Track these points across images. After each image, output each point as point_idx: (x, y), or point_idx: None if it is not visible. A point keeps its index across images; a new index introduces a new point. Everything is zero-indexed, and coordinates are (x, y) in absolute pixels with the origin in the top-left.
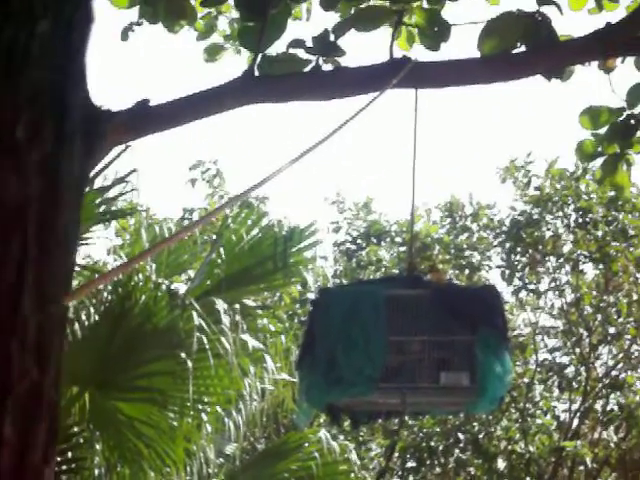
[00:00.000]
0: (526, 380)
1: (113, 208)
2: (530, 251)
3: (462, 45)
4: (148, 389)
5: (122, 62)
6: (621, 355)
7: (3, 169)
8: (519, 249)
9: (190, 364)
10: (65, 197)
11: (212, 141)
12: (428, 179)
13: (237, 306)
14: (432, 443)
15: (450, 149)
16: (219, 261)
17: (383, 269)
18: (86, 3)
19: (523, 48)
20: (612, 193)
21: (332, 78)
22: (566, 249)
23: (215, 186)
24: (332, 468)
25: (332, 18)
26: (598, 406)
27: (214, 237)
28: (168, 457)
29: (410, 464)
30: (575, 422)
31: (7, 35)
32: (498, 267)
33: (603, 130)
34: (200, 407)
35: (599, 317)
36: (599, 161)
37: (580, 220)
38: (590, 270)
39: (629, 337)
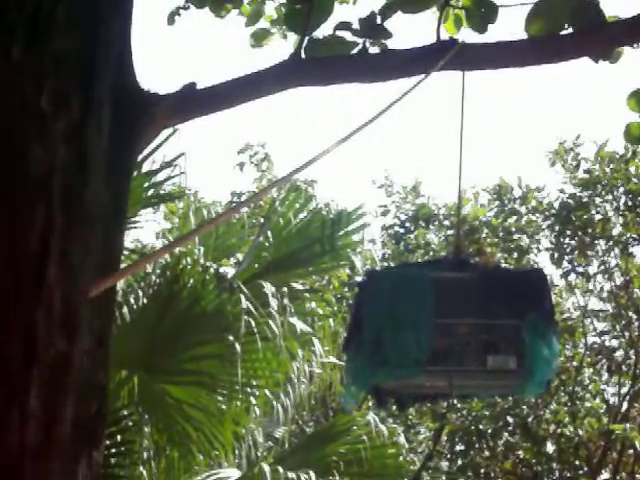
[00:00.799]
0: (575, 364)
1: (161, 192)
2: (579, 234)
3: (509, 27)
4: (196, 372)
5: (170, 46)
6: None
7: (28, 138)
8: (568, 232)
9: (238, 347)
10: (93, 167)
11: (260, 124)
12: (477, 162)
13: (285, 289)
14: (481, 426)
15: (499, 132)
16: (267, 244)
17: (431, 252)
18: None
19: (570, 30)
20: None
21: (379, 60)
22: (615, 232)
23: (263, 170)
24: (380, 451)
25: (379, 0)
26: None
27: (262, 220)
28: (217, 440)
29: (459, 447)
30: (624, 405)
31: (30, 2)
32: (547, 250)
33: None
34: (248, 390)
35: None
36: None
37: (630, 203)
38: None
39: None
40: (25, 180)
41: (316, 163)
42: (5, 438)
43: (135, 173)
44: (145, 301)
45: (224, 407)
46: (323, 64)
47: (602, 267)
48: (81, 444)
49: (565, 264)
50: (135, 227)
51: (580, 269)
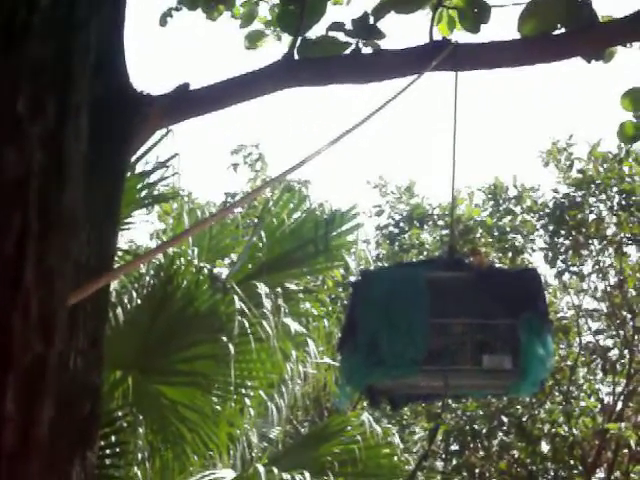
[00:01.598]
0: (570, 363)
1: (155, 193)
2: (573, 233)
3: (501, 27)
4: (191, 373)
5: (163, 48)
6: None
7: (4, 143)
8: (562, 232)
9: (232, 348)
10: (70, 172)
11: (254, 125)
12: (471, 162)
13: (279, 290)
14: (475, 426)
15: (493, 131)
16: (260, 245)
17: (425, 252)
18: None
19: (563, 30)
20: None
21: (372, 61)
22: (609, 231)
23: (257, 170)
24: (375, 451)
25: (372, 1)
26: None
27: (256, 221)
28: (211, 441)
29: (453, 447)
30: (619, 405)
31: (7, 7)
32: (541, 250)
33: None
34: (243, 391)
35: None
36: None
37: (623, 202)
38: (634, 252)
39: None
40: (0, 184)
41: (310, 163)
42: None
43: (129, 174)
44: (139, 302)
45: (218, 408)
46: (316, 65)
47: (596, 267)
48: (74, 445)
49: (559, 264)
50: (129, 228)
51: (574, 269)
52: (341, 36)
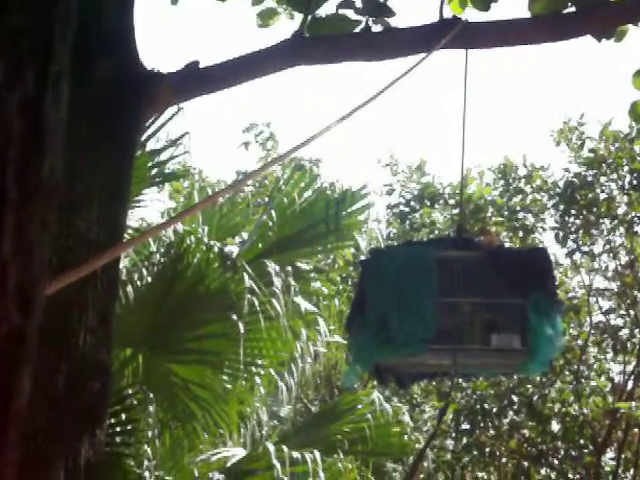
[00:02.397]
0: (580, 342)
1: (166, 171)
2: (584, 213)
3: (512, 6)
4: (201, 351)
5: (173, 26)
6: None
7: None
8: (573, 211)
9: (241, 326)
10: (50, 141)
11: (266, 103)
12: (481, 141)
13: (289, 269)
14: (486, 405)
15: (504, 111)
16: (271, 224)
17: (436, 231)
18: None
19: (574, 8)
20: None
21: (382, 39)
22: (620, 211)
23: (268, 149)
24: (385, 430)
25: None
26: None
27: (266, 200)
28: (221, 419)
29: (464, 426)
30: (630, 384)
31: None
32: (552, 229)
33: None
34: (253, 369)
35: None
36: None
37: (635, 182)
38: None
39: None
40: None
41: (320, 142)
42: None
43: (139, 152)
44: (149, 280)
45: (229, 386)
46: (326, 42)
47: (607, 246)
48: (84, 422)
49: (570, 243)
50: (139, 206)
51: (585, 248)
52: (351, 14)
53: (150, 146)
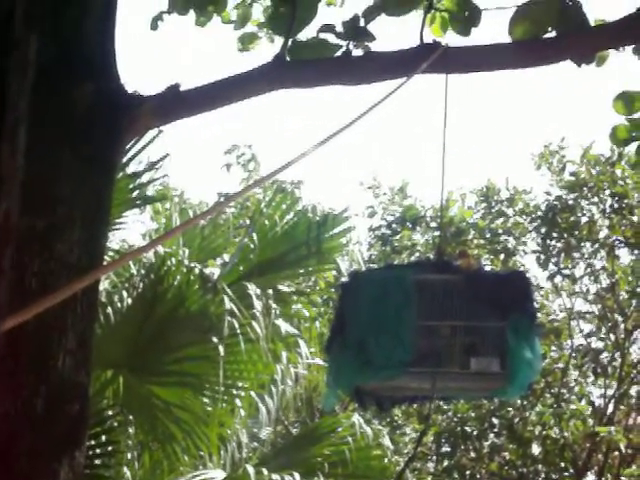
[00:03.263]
0: (561, 365)
1: (147, 193)
2: (565, 236)
3: (492, 30)
4: (181, 373)
5: (154, 50)
6: None
7: None
8: (554, 234)
9: (221, 349)
10: (6, 188)
11: (247, 125)
12: (463, 164)
13: (270, 291)
14: (467, 428)
15: (486, 134)
16: (252, 246)
17: (418, 254)
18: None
19: (554, 33)
20: None
21: (362, 63)
22: (602, 234)
23: (250, 170)
24: (365, 453)
25: (365, 2)
26: (633, 391)
27: (248, 222)
28: (201, 441)
29: (445, 449)
30: (610, 408)
31: None
32: (533, 252)
33: (638, 115)
34: (234, 391)
35: (634, 303)
36: (634, 146)
37: (616, 205)
38: (625, 255)
39: None
40: None
41: (302, 164)
42: None
43: (120, 175)
44: (130, 302)
45: (209, 408)
46: (307, 66)
47: (588, 269)
48: (63, 444)
49: (551, 266)
50: (120, 229)
51: (566, 271)
52: (332, 38)
53: (131, 168)
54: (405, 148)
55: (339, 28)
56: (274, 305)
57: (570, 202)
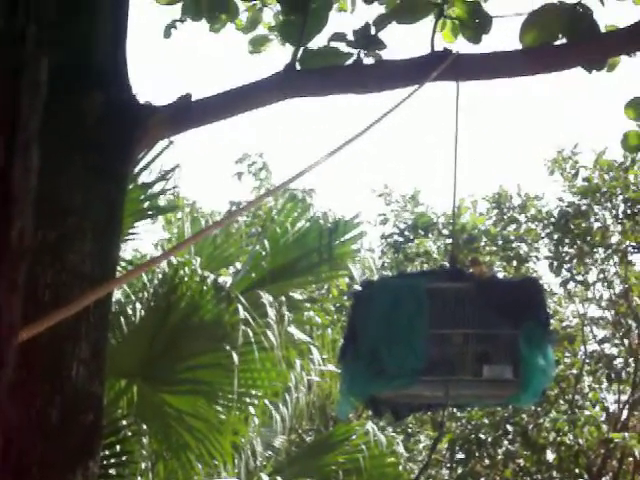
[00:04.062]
0: (575, 371)
1: (159, 203)
2: (578, 242)
3: (503, 37)
4: (195, 382)
5: (167, 59)
6: None
7: None
8: (567, 240)
9: (236, 357)
10: (19, 208)
11: (259, 134)
12: (476, 171)
13: (283, 299)
14: (481, 435)
15: (498, 141)
16: (264, 254)
17: (430, 261)
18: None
19: (564, 40)
20: None
21: (374, 71)
22: (614, 240)
23: (261, 179)
24: (379, 460)
25: (376, 10)
26: None
27: (260, 230)
28: (216, 450)
29: (459, 456)
30: (624, 413)
31: None
32: (546, 258)
33: None
34: (247, 400)
35: None
36: None
37: (628, 211)
38: (639, 261)
39: None
40: None
41: (314, 172)
42: None
43: (131, 185)
44: (143, 311)
45: (223, 417)
46: (318, 75)
47: (601, 275)
48: (77, 455)
49: (564, 272)
50: (132, 239)
51: (579, 277)
52: (343, 47)
53: (142, 179)
54: (417, 155)
55: (350, 36)
56: (287, 312)
57: (583, 208)
